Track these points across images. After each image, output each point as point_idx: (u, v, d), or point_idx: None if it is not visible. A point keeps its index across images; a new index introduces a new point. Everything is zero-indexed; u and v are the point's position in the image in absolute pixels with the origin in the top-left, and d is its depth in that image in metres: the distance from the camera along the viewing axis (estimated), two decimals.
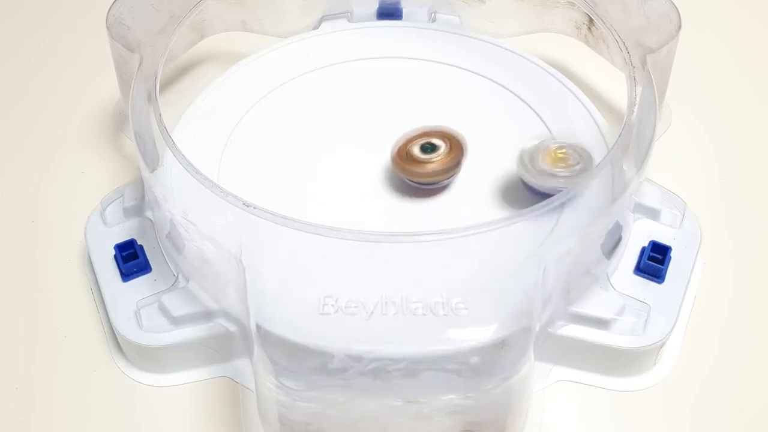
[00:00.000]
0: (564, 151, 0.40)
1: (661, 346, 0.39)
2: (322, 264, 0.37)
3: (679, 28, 0.42)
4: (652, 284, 0.40)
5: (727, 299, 0.42)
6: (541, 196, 0.39)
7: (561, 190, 0.37)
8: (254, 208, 0.35)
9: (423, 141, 0.41)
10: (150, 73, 0.41)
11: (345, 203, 0.41)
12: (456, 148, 0.41)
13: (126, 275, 0.40)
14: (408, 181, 0.41)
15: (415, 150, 0.41)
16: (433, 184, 0.41)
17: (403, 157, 0.41)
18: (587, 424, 0.39)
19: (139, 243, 0.41)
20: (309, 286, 0.36)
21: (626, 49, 0.42)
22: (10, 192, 0.47)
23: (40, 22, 0.55)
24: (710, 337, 0.41)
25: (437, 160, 0.41)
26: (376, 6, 0.50)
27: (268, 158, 0.43)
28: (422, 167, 0.41)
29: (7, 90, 0.52)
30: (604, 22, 0.44)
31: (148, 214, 0.42)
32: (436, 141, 0.41)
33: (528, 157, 0.40)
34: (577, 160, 0.40)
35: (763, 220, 0.45)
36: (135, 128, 0.40)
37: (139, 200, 0.42)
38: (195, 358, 0.39)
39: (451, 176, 0.41)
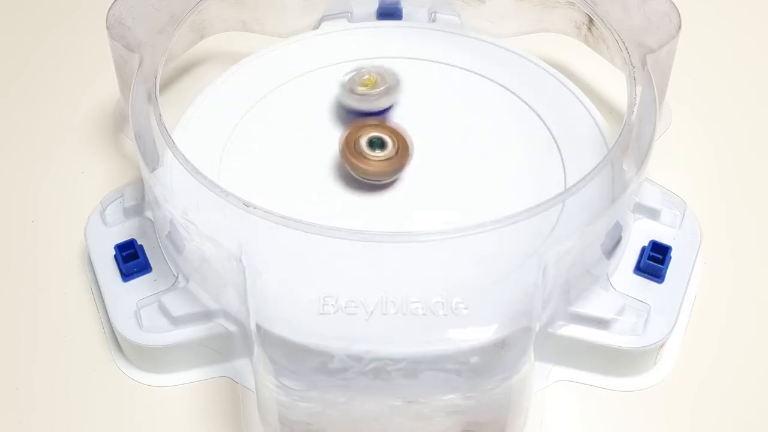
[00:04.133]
0: (373, 78, 0.44)
1: (661, 346, 0.39)
2: (322, 264, 0.37)
3: (679, 28, 0.42)
4: (652, 284, 0.40)
5: (727, 299, 0.42)
6: (360, 114, 0.44)
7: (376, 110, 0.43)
8: (254, 208, 0.35)
9: (372, 134, 0.41)
10: (150, 73, 0.41)
11: (344, 204, 0.41)
12: (403, 149, 0.41)
13: (126, 275, 0.40)
14: (357, 177, 0.42)
15: (363, 144, 0.41)
16: (377, 180, 0.42)
17: (351, 149, 0.41)
18: (587, 424, 0.39)
19: (139, 243, 0.41)
20: (309, 286, 0.36)
21: (626, 49, 0.42)
22: (10, 192, 0.47)
23: (40, 22, 0.55)
24: (710, 337, 0.41)
25: (386, 160, 0.41)
26: (376, 6, 0.50)
27: (268, 158, 0.43)
28: (368, 164, 0.41)
29: (7, 90, 0.52)
30: (604, 22, 0.44)
31: (148, 214, 0.42)
32: (384, 136, 0.41)
33: (348, 85, 0.44)
34: (384, 83, 0.44)
35: (763, 220, 0.45)
36: (135, 128, 0.40)
37: (139, 200, 0.42)
38: (195, 358, 0.39)
39: (394, 178, 0.41)
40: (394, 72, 0.44)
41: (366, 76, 0.44)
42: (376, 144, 0.41)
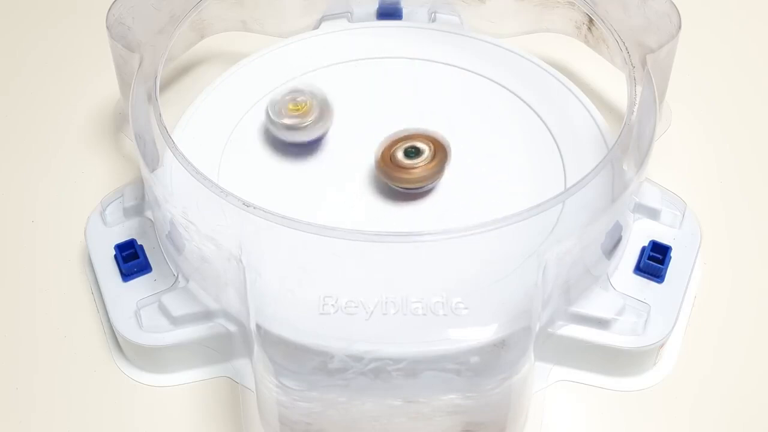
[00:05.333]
0: (299, 105, 0.42)
1: (661, 346, 0.39)
2: (322, 264, 0.37)
3: (679, 28, 0.42)
4: (652, 284, 0.40)
5: (727, 299, 0.42)
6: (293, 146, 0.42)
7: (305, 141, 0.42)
8: (254, 208, 0.35)
9: (406, 145, 0.41)
10: (150, 73, 0.41)
11: (345, 203, 0.41)
12: (440, 151, 0.41)
13: (126, 275, 0.40)
14: (393, 186, 0.41)
15: (399, 155, 0.41)
16: (419, 188, 0.41)
17: (387, 162, 0.41)
18: (587, 424, 0.39)
19: (139, 243, 0.41)
20: (309, 286, 0.36)
21: (626, 49, 0.42)
22: (10, 192, 0.47)
23: (39, 22, 0.55)
24: (710, 337, 0.41)
25: (421, 165, 0.40)
26: (376, 6, 0.50)
27: (268, 158, 0.43)
28: (407, 173, 0.40)
29: (6, 90, 0.52)
30: (604, 22, 0.44)
31: (148, 214, 0.42)
32: (419, 144, 0.41)
33: (273, 112, 0.42)
34: (313, 110, 0.42)
35: (763, 220, 0.45)
36: (135, 128, 0.40)
37: (139, 200, 0.42)
38: (195, 358, 0.39)
39: (435, 181, 0.41)
40: (322, 95, 0.42)
41: (298, 99, 0.42)
42: (412, 153, 0.41)
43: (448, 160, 0.41)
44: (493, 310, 0.36)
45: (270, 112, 0.42)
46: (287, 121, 0.42)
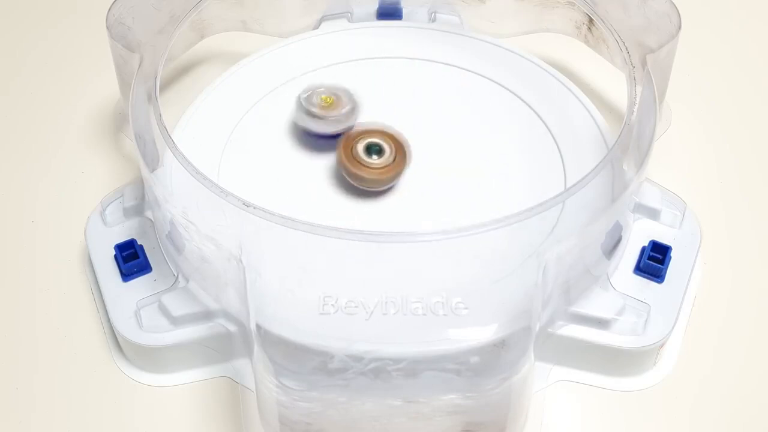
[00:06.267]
0: (330, 98, 0.43)
1: (661, 346, 0.39)
2: (322, 264, 0.37)
3: (679, 28, 0.42)
4: (652, 284, 0.40)
5: (727, 299, 0.42)
6: (321, 137, 0.43)
7: (334, 132, 0.42)
8: (254, 208, 0.35)
9: (367, 140, 0.41)
10: (150, 73, 0.41)
11: (345, 202, 0.41)
12: (400, 152, 0.41)
13: (126, 275, 0.40)
14: (354, 184, 0.41)
15: (360, 152, 0.41)
16: (375, 188, 0.41)
17: (349, 158, 0.41)
18: (587, 424, 0.39)
19: (139, 243, 0.41)
20: (309, 286, 0.36)
21: (626, 49, 0.42)
22: (10, 192, 0.47)
23: (39, 22, 0.55)
24: (710, 337, 0.41)
25: (383, 167, 0.41)
26: (376, 6, 0.50)
27: (268, 158, 0.43)
28: (368, 172, 0.41)
29: (6, 90, 0.52)
30: (604, 22, 0.44)
31: (148, 214, 0.42)
32: (380, 141, 0.41)
33: (303, 104, 0.43)
34: (344, 104, 0.42)
35: (763, 220, 0.45)
36: (135, 128, 0.40)
37: (139, 200, 0.42)
38: (195, 358, 0.39)
39: (394, 182, 0.41)
40: (350, 92, 0.43)
41: (323, 96, 0.43)
42: (374, 150, 0.41)
43: (407, 165, 0.41)
44: (493, 310, 0.36)
45: (302, 101, 0.43)
46: (316, 111, 0.42)
